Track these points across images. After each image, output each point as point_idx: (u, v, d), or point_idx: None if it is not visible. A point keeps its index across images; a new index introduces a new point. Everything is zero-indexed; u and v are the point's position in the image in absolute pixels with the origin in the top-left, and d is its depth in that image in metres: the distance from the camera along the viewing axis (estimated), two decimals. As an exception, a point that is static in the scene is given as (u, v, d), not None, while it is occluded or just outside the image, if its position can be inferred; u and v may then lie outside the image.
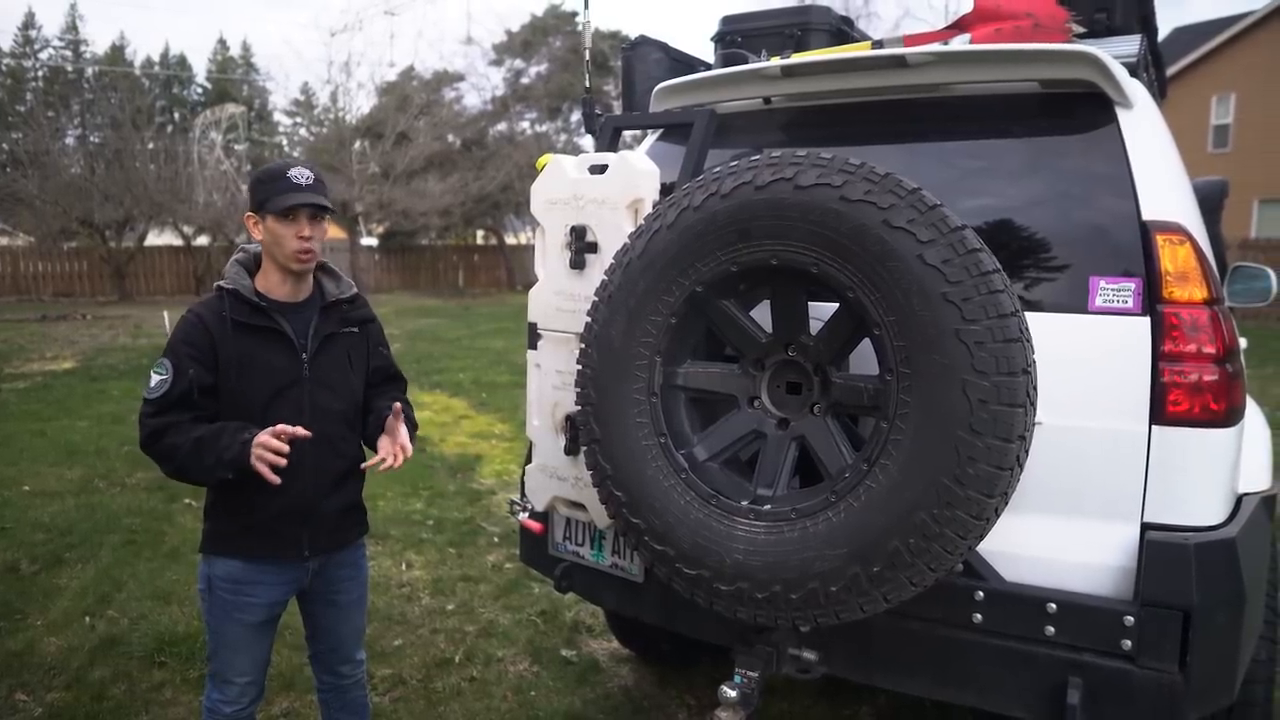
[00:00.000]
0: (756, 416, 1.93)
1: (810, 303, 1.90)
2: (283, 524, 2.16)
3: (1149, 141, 2.06)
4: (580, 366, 2.01)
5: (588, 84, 2.68)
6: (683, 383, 1.96)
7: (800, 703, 3.22)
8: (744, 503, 1.82)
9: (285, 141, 27.64)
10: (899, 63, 2.22)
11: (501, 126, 25.52)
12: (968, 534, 1.62)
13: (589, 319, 2.01)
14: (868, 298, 1.69)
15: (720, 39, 2.91)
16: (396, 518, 5.30)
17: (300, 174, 2.10)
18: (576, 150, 27.92)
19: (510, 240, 26.44)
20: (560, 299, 2.35)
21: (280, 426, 2.02)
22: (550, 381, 2.41)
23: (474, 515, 5.41)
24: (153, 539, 4.85)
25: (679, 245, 1.87)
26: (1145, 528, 1.93)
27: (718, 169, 1.89)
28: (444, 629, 3.84)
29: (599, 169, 2.30)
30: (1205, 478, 1.94)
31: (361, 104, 22.49)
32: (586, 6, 2.64)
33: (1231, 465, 2.00)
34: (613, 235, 2.22)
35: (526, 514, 2.63)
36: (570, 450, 2.35)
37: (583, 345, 2.01)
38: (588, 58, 2.73)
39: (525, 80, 25.99)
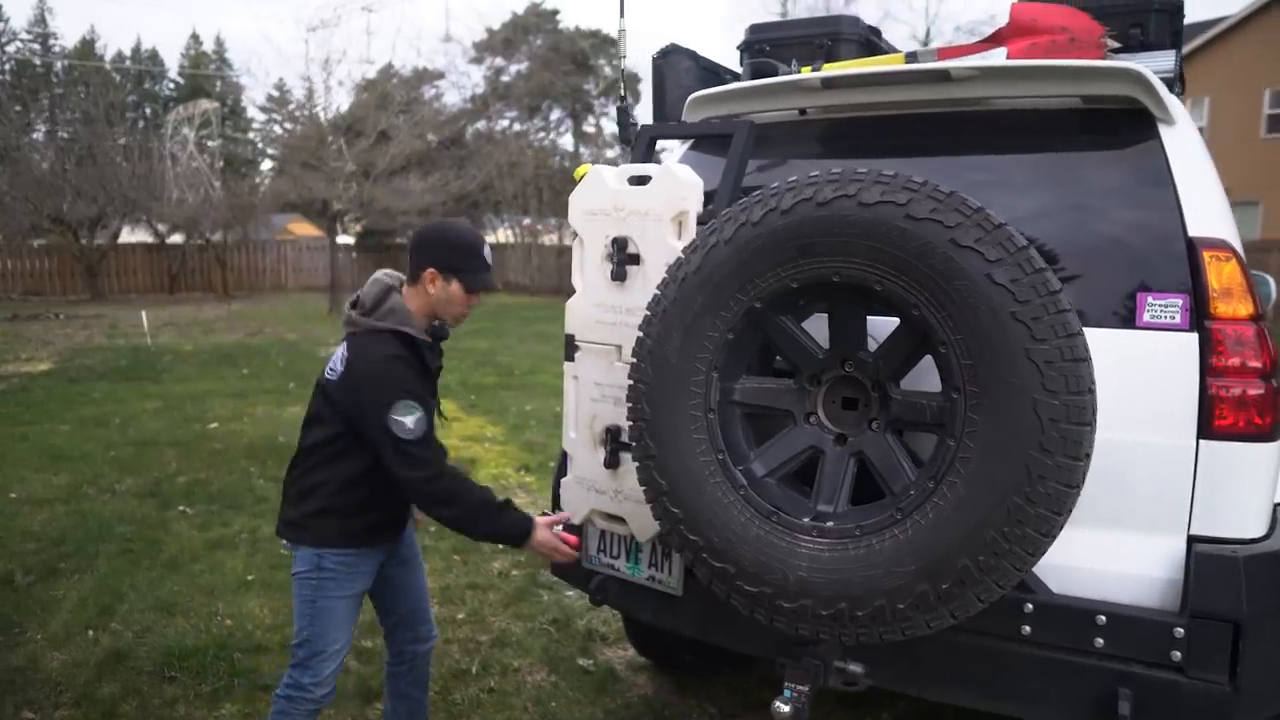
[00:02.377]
0: (814, 433, 1.92)
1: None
2: (401, 515, 2.46)
3: (1191, 157, 2.08)
4: (632, 381, 1.99)
5: (623, 93, 2.66)
6: (739, 398, 1.95)
7: (822, 708, 3.23)
8: (805, 519, 1.81)
9: (259, 139, 27.30)
10: (942, 77, 2.23)
11: (481, 125, 25.39)
12: (1036, 551, 1.63)
13: (641, 334, 1.99)
14: (934, 316, 1.69)
15: (747, 48, 2.90)
16: (397, 524, 5.24)
17: (489, 253, 2.39)
18: (556, 149, 27.87)
19: (489, 239, 26.31)
20: (600, 310, 2.34)
21: (560, 524, 2.40)
22: (589, 394, 2.39)
23: (475, 521, 5.37)
24: (149, 548, 4.76)
25: (737, 260, 1.86)
26: (1192, 540, 1.95)
27: (776, 185, 1.88)
28: (457, 639, 3.80)
29: (642, 180, 2.28)
30: (1250, 491, 1.97)
31: (340, 101, 22.33)
32: (622, 14, 2.63)
33: (1274, 478, 2.02)
34: (656, 247, 2.21)
35: (560, 527, 2.61)
36: (610, 463, 2.33)
37: (634, 360, 2.00)
38: (623, 67, 2.70)
39: (505, 78, 25.88)
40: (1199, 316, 1.94)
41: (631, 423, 1.99)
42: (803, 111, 2.58)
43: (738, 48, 2.94)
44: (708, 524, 1.85)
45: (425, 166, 20.23)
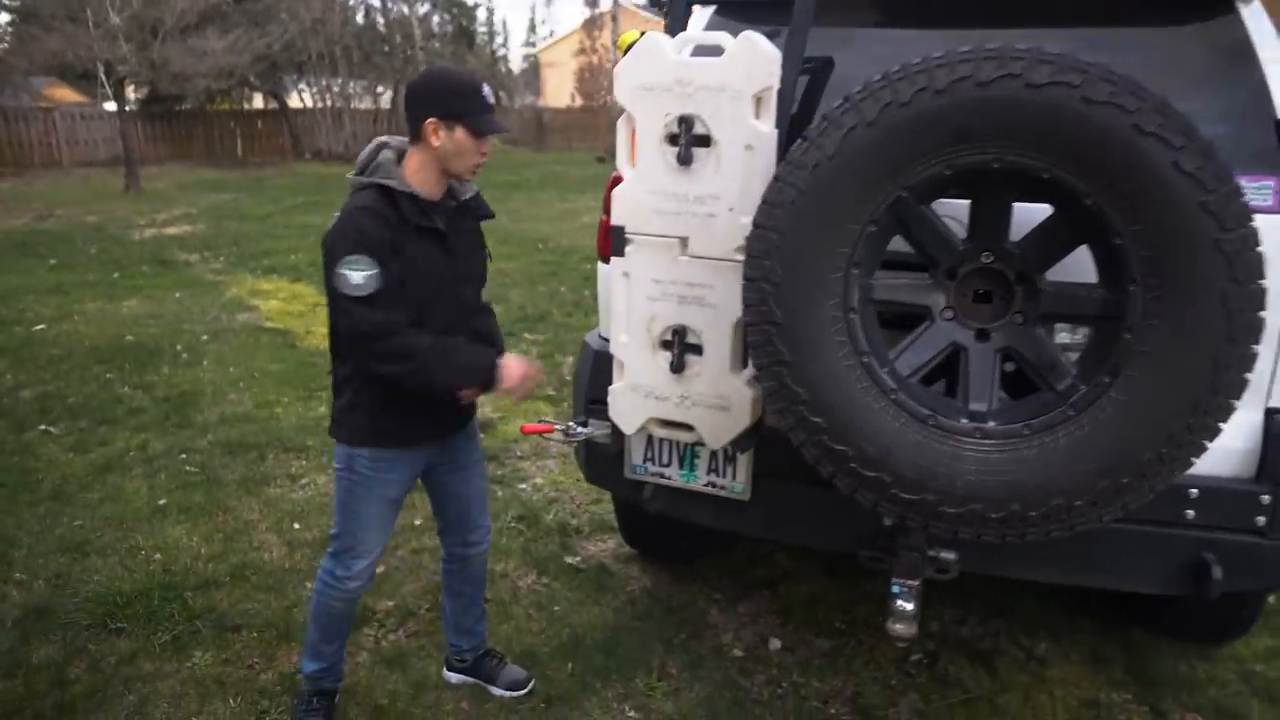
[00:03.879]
0: (954, 329, 1.83)
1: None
2: (440, 412, 2.30)
3: (1268, 37, 2.06)
4: (754, 280, 1.80)
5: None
6: (877, 296, 1.82)
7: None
8: (963, 421, 1.74)
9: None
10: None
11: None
12: (1213, 438, 1.64)
13: (761, 228, 1.79)
14: (1110, 205, 1.60)
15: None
16: (307, 426, 4.83)
17: (490, 92, 2.17)
18: (362, 4, 25.34)
19: (294, 104, 24.00)
20: (659, 199, 2.10)
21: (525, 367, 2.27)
22: (645, 292, 2.18)
23: (391, 419, 5.03)
24: (24, 480, 4.14)
25: (884, 146, 1.68)
26: (1270, 412, 2.05)
27: (918, 61, 1.69)
28: (425, 548, 3.58)
29: (712, 51, 2.02)
30: None
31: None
32: None
33: None
34: (734, 128, 1.98)
35: (588, 433, 2.43)
36: (677, 367, 2.16)
37: (755, 258, 1.80)
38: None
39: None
40: None
41: (755, 327, 1.81)
42: None
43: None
44: (859, 433, 1.74)
45: (221, 24, 17.88)
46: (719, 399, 2.14)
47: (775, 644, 3.02)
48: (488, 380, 2.21)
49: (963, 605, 3.24)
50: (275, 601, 3.17)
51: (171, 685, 2.74)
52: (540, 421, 2.53)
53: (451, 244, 2.24)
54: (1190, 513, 2.02)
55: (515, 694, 2.71)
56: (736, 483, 2.31)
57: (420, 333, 2.13)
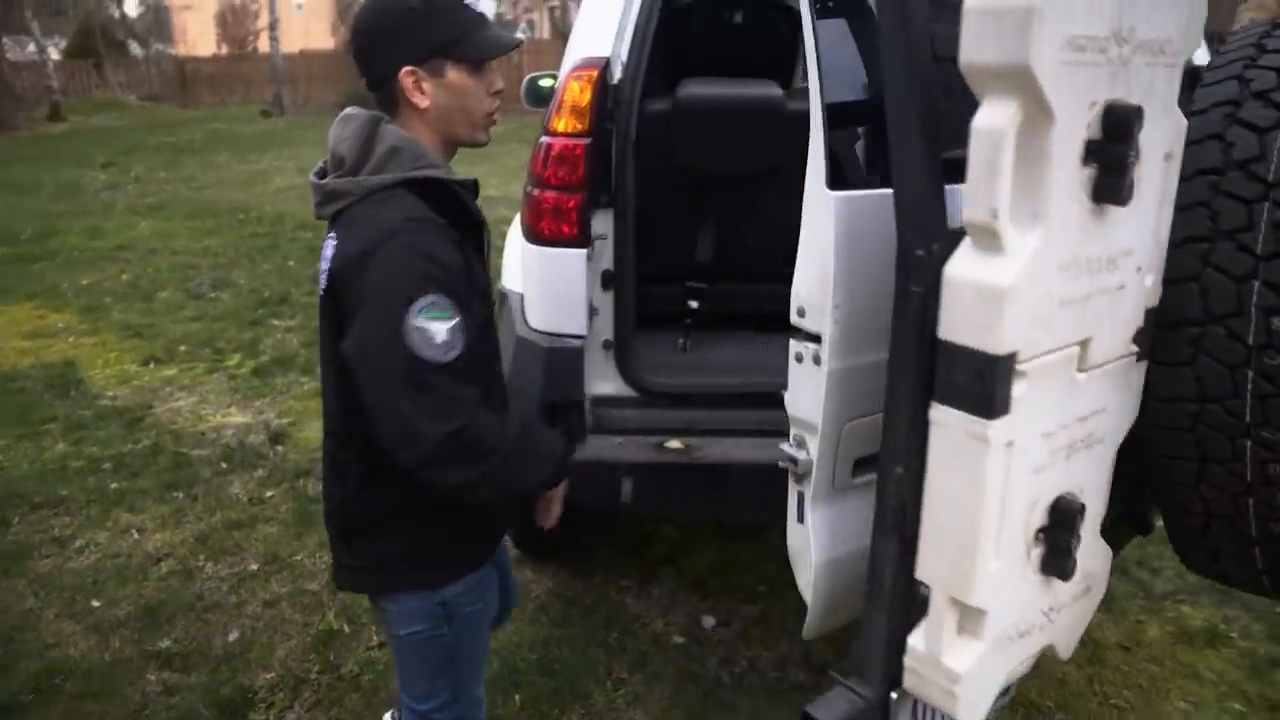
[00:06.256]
0: None
1: None
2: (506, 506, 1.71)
3: None
4: None
5: None
6: None
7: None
8: None
9: None
10: None
11: None
12: None
13: None
14: None
15: None
16: (50, 472, 3.90)
17: (475, 1, 1.47)
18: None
19: None
20: (1068, 278, 1.13)
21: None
22: (1032, 461, 1.20)
23: (157, 441, 4.20)
24: None
25: None
26: None
27: None
28: (277, 597, 3.03)
29: None
30: None
31: None
32: None
33: None
34: (1162, 120, 1.19)
35: None
36: (1068, 571, 1.29)
37: None
38: None
39: None
40: None
41: None
42: None
43: None
44: None
45: None
46: (1084, 579, 1.39)
47: (709, 621, 2.93)
48: (564, 470, 1.56)
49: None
50: (116, 709, 2.52)
51: None
52: None
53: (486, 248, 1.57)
54: None
55: (475, 747, 2.37)
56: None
57: (489, 411, 1.42)
